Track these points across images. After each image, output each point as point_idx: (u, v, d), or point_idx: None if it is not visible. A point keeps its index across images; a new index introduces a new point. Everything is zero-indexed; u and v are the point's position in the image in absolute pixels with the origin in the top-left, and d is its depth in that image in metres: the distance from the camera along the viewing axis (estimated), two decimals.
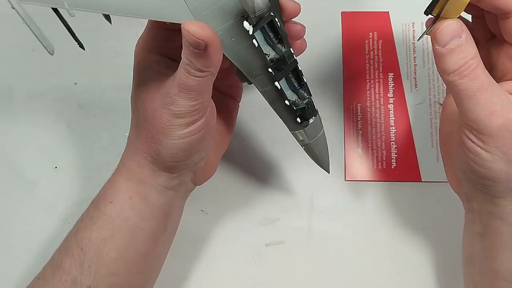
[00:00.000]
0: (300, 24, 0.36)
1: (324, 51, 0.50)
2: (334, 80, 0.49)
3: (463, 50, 0.30)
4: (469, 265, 0.37)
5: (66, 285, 0.34)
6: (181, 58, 0.31)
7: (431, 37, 0.32)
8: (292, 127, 0.36)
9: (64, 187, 0.47)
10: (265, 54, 0.33)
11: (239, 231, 0.46)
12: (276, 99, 0.35)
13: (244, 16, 0.31)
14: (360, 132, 0.48)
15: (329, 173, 0.40)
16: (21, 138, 0.49)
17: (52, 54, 0.29)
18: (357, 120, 0.48)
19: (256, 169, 0.47)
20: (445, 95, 0.46)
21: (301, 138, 0.37)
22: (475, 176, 0.32)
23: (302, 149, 0.39)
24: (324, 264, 0.44)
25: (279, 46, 0.33)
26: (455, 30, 0.30)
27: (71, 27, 0.30)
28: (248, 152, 0.48)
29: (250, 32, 0.31)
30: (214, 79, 0.32)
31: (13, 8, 0.29)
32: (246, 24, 0.31)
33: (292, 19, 0.36)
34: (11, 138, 0.49)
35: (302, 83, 0.35)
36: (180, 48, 0.31)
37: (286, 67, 0.33)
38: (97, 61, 0.51)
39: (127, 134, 0.49)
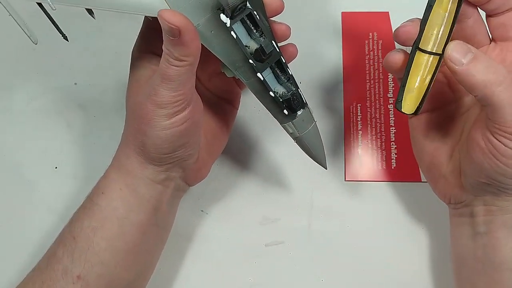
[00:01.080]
0: (285, 24, 0.37)
1: (324, 51, 0.50)
2: (334, 80, 0.49)
3: (481, 59, 0.31)
4: (464, 267, 0.38)
5: (57, 273, 0.35)
6: None
7: (447, 64, 0.31)
8: (281, 119, 0.37)
9: (64, 187, 0.47)
10: (246, 46, 0.34)
11: (239, 231, 0.46)
12: (261, 90, 0.35)
13: (221, 9, 0.32)
14: (360, 132, 0.48)
15: (326, 169, 0.40)
16: (21, 138, 0.49)
17: (36, 44, 0.31)
18: (357, 120, 0.48)
19: (256, 169, 0.47)
20: None
21: (290, 131, 0.37)
22: (502, 178, 0.33)
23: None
24: (324, 264, 0.44)
25: (261, 39, 0.34)
26: (463, 46, 0.31)
27: (54, 19, 0.32)
28: (248, 152, 0.48)
29: (228, 24, 0.33)
30: (194, 71, 0.33)
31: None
32: (223, 16, 0.32)
33: (274, 18, 0.37)
34: (11, 138, 0.49)
35: (288, 75, 0.36)
36: None
37: (266, 58, 0.34)
38: (97, 61, 0.51)
39: None
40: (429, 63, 0.33)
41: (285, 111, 0.36)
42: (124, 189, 0.37)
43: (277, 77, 0.36)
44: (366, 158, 0.47)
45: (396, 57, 0.34)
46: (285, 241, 0.45)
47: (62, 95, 0.50)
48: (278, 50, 0.35)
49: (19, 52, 0.52)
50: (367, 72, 0.49)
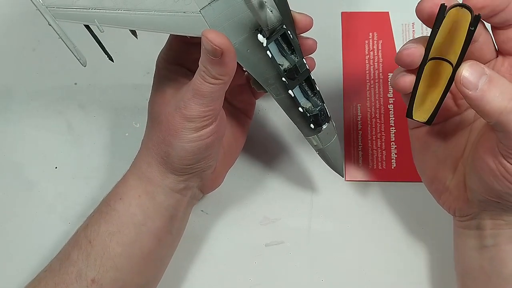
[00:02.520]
0: (312, 39, 0.38)
1: (324, 51, 0.50)
2: (334, 80, 0.49)
3: (496, 83, 0.29)
4: (469, 279, 0.37)
5: (71, 276, 0.35)
6: (195, 68, 0.33)
7: (458, 88, 0.29)
8: (306, 132, 0.38)
9: (64, 187, 0.47)
10: (279, 64, 0.35)
11: (239, 231, 0.46)
12: (290, 106, 0.36)
13: (258, 29, 0.33)
14: (360, 132, 0.48)
15: (343, 177, 0.42)
16: (21, 138, 0.49)
17: (84, 66, 0.32)
18: (357, 120, 0.48)
19: (256, 169, 0.47)
20: None
21: (315, 143, 0.38)
22: (510, 196, 0.32)
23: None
24: (324, 264, 0.44)
25: (292, 56, 0.35)
26: (477, 68, 0.29)
27: (101, 41, 0.33)
28: (248, 152, 0.48)
29: (264, 44, 0.33)
30: (226, 88, 0.34)
31: (49, 25, 0.31)
32: (260, 36, 0.33)
33: (304, 34, 0.37)
34: (11, 138, 0.49)
35: (315, 91, 0.37)
36: (197, 60, 0.33)
37: (298, 76, 0.35)
38: (97, 61, 0.51)
39: (127, 134, 0.49)
40: (444, 73, 0.31)
41: (312, 125, 0.37)
42: (143, 196, 0.37)
43: (304, 92, 0.37)
44: (366, 158, 0.47)
45: (407, 79, 0.32)
46: (285, 241, 0.45)
47: (62, 95, 0.50)
48: (308, 68, 0.36)
49: (19, 52, 0.52)
50: (367, 72, 0.49)
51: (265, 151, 0.48)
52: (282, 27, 0.33)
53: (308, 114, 0.36)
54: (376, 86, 0.49)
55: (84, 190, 0.47)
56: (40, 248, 0.45)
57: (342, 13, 0.51)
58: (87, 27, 0.33)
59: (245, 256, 0.45)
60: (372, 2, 0.51)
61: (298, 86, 0.36)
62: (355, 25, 0.51)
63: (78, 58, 0.32)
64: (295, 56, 0.35)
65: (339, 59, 0.50)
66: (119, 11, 0.32)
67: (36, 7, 0.32)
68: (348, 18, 0.51)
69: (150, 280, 0.39)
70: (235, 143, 0.42)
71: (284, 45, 0.35)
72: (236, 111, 0.42)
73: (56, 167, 0.48)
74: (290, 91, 0.35)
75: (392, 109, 0.48)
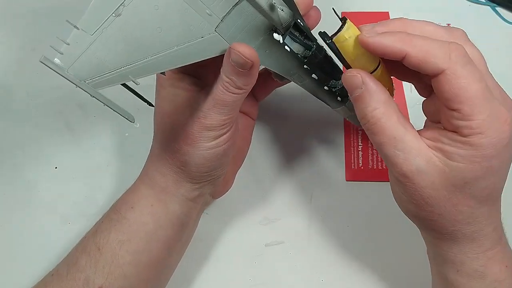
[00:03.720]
0: (312, 8, 0.37)
1: None
2: None
3: (362, 100, 0.31)
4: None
5: (78, 282, 0.35)
6: (202, 75, 0.34)
7: None
8: (334, 105, 0.40)
9: (64, 187, 0.47)
10: (297, 53, 0.35)
11: (239, 231, 0.46)
12: (315, 88, 0.38)
13: (273, 29, 0.33)
14: (360, 132, 0.48)
15: None
16: (21, 138, 0.49)
17: (133, 122, 0.32)
18: None
19: (256, 170, 0.47)
20: None
21: (343, 113, 0.40)
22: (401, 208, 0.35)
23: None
24: (324, 264, 0.44)
25: (306, 41, 0.35)
26: (354, 80, 0.31)
27: (139, 93, 0.33)
28: (248, 152, 0.48)
29: (281, 41, 0.34)
30: (246, 95, 0.34)
31: (92, 96, 0.31)
32: (276, 35, 0.33)
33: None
34: (11, 138, 0.49)
35: (334, 66, 0.38)
36: (201, 66, 0.33)
37: (318, 59, 0.36)
38: None
39: (127, 134, 0.49)
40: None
41: (339, 98, 0.39)
42: (155, 205, 0.37)
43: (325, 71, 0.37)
44: (366, 158, 0.47)
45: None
46: (285, 241, 0.45)
47: (62, 95, 0.50)
48: (324, 48, 0.36)
49: (19, 52, 0.52)
50: None
51: (265, 152, 0.48)
52: (292, 19, 0.34)
53: (333, 89, 0.38)
54: None
55: (84, 190, 0.47)
56: (40, 248, 0.45)
57: (342, 13, 0.51)
58: (123, 84, 0.33)
59: (245, 256, 0.45)
60: (372, 2, 0.51)
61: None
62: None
63: (126, 117, 0.32)
64: (308, 40, 0.35)
65: None
66: (147, 59, 0.32)
67: (76, 85, 0.32)
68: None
69: (158, 286, 0.39)
70: (243, 145, 0.43)
71: (296, 33, 0.35)
72: (240, 115, 0.42)
73: (56, 167, 0.48)
74: (313, 75, 0.36)
75: None
